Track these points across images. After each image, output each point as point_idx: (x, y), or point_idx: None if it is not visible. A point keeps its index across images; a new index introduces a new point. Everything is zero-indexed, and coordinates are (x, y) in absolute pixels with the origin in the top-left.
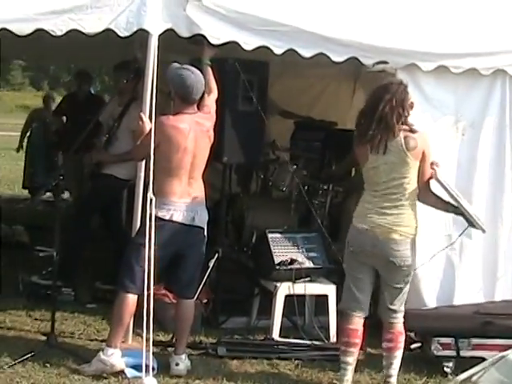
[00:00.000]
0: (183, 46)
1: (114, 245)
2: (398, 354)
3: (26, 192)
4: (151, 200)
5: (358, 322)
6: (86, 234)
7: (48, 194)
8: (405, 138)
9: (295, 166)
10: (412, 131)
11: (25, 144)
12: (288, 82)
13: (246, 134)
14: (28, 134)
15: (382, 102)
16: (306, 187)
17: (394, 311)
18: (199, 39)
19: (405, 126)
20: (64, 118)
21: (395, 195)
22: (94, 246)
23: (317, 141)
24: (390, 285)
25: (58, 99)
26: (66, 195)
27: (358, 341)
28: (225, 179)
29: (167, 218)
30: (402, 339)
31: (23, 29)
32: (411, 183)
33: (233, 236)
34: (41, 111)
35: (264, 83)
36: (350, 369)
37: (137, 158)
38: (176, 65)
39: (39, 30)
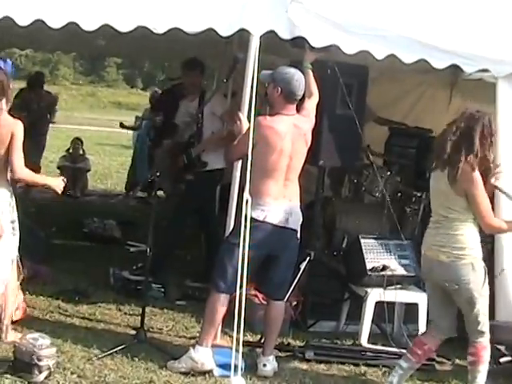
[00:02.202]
0: (283, 48)
1: (205, 243)
2: (482, 369)
3: (118, 187)
4: (247, 200)
5: (429, 338)
6: (180, 233)
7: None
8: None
9: (389, 172)
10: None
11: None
12: (384, 88)
13: (342, 139)
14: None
15: (475, 134)
16: (400, 194)
17: (474, 330)
18: (300, 42)
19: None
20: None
21: (449, 216)
22: (185, 244)
23: (411, 148)
24: (458, 307)
25: None
26: (160, 192)
27: (420, 352)
28: (319, 182)
29: (261, 218)
30: (484, 353)
31: (124, 26)
32: (463, 208)
33: (323, 239)
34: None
35: (363, 88)
36: (400, 373)
37: (234, 157)
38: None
39: (141, 28)
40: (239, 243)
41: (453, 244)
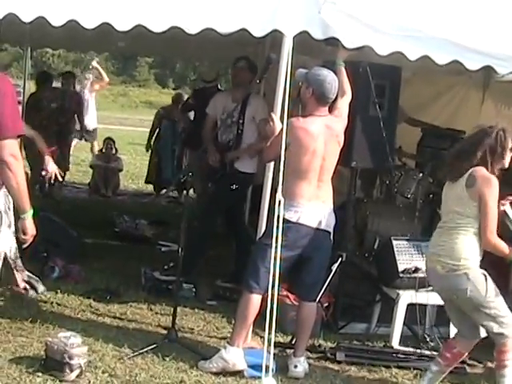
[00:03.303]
0: (315, 48)
1: (235, 243)
2: (505, 373)
3: (150, 187)
4: (280, 202)
5: (458, 341)
6: (211, 232)
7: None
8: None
9: (421, 174)
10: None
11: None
12: (416, 89)
13: (374, 140)
14: (157, 132)
15: (480, 147)
16: (432, 195)
17: (493, 334)
18: (333, 41)
19: None
20: (191, 115)
21: (453, 223)
22: (215, 244)
23: (444, 149)
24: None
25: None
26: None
27: (449, 355)
28: (351, 184)
29: (294, 220)
30: (505, 357)
31: (157, 26)
32: (470, 217)
33: (355, 241)
34: (170, 109)
35: (395, 88)
36: (430, 377)
37: (266, 159)
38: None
39: (174, 28)
40: (272, 244)
41: (449, 253)
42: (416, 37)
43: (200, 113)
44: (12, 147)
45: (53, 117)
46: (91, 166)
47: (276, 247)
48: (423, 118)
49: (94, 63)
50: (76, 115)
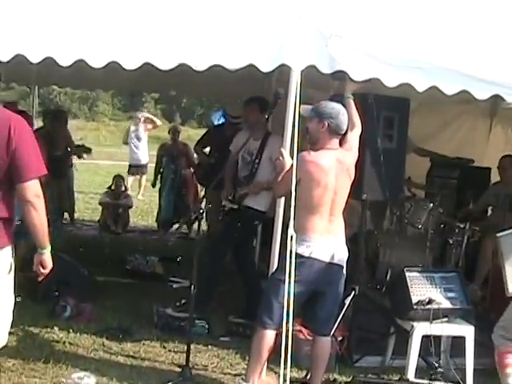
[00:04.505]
0: (322, 82)
1: (245, 279)
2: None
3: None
4: (292, 237)
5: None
6: (222, 268)
7: (175, 226)
8: None
9: (431, 204)
10: None
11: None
12: (423, 119)
13: (385, 172)
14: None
15: None
16: (442, 225)
17: None
18: (341, 74)
19: None
20: (207, 151)
21: None
22: (227, 279)
23: (453, 178)
24: None
25: (191, 132)
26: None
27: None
28: (362, 216)
29: (307, 254)
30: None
31: (165, 63)
32: None
33: (367, 273)
34: (169, 145)
35: (404, 120)
36: None
37: (277, 194)
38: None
39: (181, 66)
40: (285, 279)
41: None
42: (423, 68)
43: (216, 150)
44: (36, 187)
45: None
46: (100, 204)
47: (289, 282)
48: (431, 148)
49: (145, 114)
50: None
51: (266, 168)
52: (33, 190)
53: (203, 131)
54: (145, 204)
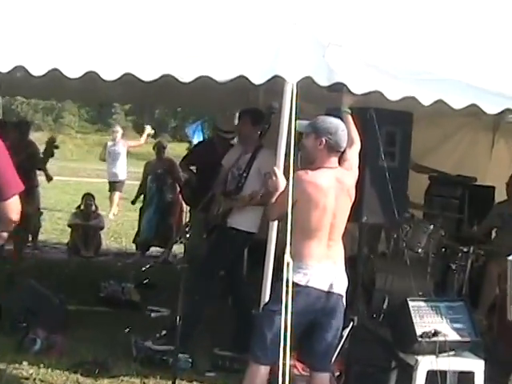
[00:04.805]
0: (316, 95)
1: (232, 305)
2: None
3: (134, 245)
4: (288, 264)
5: None
6: (207, 297)
7: (155, 248)
8: None
9: (432, 226)
10: None
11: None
12: (421, 133)
13: (386, 193)
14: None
15: None
16: (444, 249)
17: None
18: (337, 86)
19: None
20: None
21: None
22: (212, 309)
23: (454, 198)
24: None
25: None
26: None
27: None
28: (361, 240)
29: (303, 283)
30: None
31: (147, 74)
32: None
33: (362, 301)
34: (154, 162)
35: (407, 136)
36: None
37: (271, 217)
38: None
39: (165, 76)
40: (280, 310)
41: None
42: (429, 80)
43: (205, 167)
44: (17, 204)
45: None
46: (70, 226)
47: (286, 314)
48: (430, 164)
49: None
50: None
51: (254, 182)
52: (15, 207)
53: (178, 145)
54: (117, 224)
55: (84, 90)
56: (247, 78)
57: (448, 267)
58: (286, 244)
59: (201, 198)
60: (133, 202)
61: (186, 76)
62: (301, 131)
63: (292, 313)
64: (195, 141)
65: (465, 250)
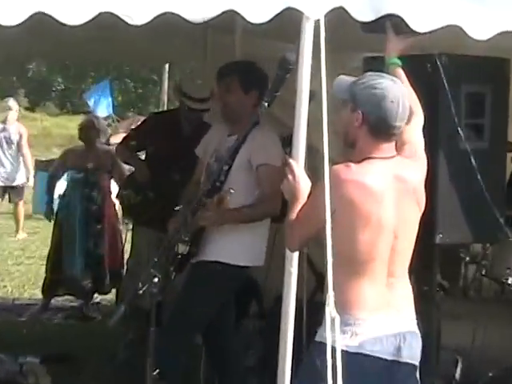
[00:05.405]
0: (351, 38)
1: (217, 369)
2: None
3: (32, 292)
4: (334, 320)
5: None
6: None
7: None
8: None
9: None
10: None
11: None
12: None
13: (472, 191)
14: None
15: None
16: None
17: None
18: (380, 25)
19: None
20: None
21: None
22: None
23: None
24: None
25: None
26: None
27: None
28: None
29: (353, 349)
30: None
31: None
32: None
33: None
34: (78, 153)
35: (503, 98)
36: None
37: (291, 244)
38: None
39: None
40: None
41: None
42: None
43: (161, 154)
44: None
45: None
46: None
47: None
48: None
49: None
50: None
51: (239, 178)
52: None
53: (70, 119)
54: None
55: None
56: (240, 14)
57: None
58: (326, 285)
59: (154, 208)
60: (49, 218)
61: (136, 16)
62: (337, 97)
63: None
64: (99, 112)
65: None
